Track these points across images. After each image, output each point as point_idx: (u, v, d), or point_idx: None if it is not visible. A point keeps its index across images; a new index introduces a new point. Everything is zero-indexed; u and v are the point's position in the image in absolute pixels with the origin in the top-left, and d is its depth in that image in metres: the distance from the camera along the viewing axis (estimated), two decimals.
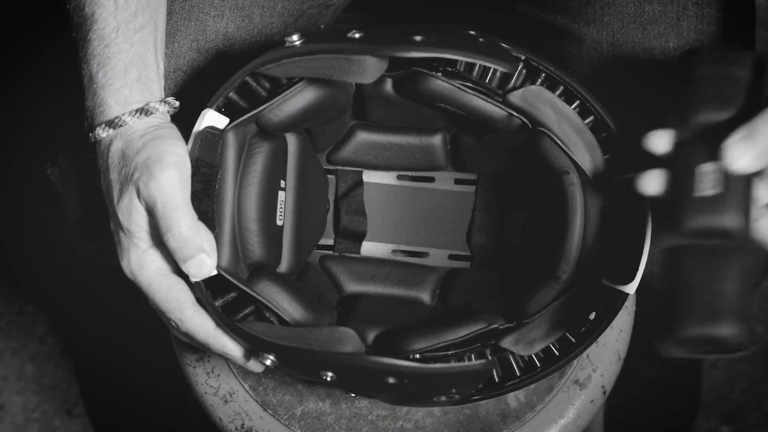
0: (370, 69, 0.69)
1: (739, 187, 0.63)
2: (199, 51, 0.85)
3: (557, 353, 0.76)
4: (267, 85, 0.74)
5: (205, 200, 0.72)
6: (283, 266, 0.81)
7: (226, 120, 0.73)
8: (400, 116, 0.81)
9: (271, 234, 0.77)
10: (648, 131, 0.68)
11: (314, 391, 0.87)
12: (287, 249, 0.81)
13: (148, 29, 0.76)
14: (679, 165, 0.65)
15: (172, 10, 0.85)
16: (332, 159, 0.86)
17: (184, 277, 0.73)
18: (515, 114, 0.75)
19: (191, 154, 0.72)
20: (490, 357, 0.76)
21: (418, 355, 0.75)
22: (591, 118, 0.76)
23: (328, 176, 0.88)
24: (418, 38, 0.66)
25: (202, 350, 0.84)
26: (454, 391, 0.73)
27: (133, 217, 0.72)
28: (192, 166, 0.72)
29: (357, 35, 0.69)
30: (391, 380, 0.69)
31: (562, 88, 0.76)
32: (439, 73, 0.73)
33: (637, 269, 0.73)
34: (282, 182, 0.80)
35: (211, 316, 0.73)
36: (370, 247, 0.88)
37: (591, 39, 0.88)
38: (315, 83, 0.73)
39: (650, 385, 1.39)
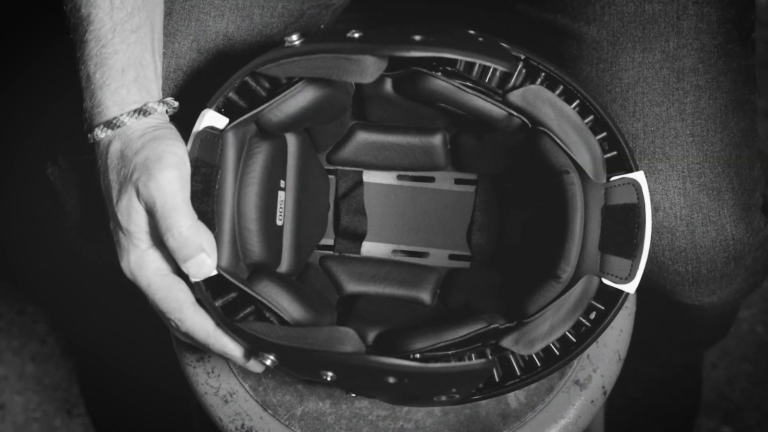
0: (369, 69, 0.69)
1: None
2: (200, 51, 0.85)
3: (558, 353, 0.76)
4: (267, 85, 0.74)
5: (204, 200, 0.72)
6: (283, 266, 0.81)
7: (226, 120, 0.73)
8: (400, 116, 0.81)
9: (271, 234, 0.77)
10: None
11: (314, 391, 0.87)
12: (287, 249, 0.81)
13: (144, 29, 0.76)
14: None
15: (172, 10, 0.85)
16: (332, 159, 0.86)
17: (184, 277, 0.73)
18: (515, 113, 0.75)
19: (191, 154, 0.72)
20: (490, 357, 0.76)
21: (418, 355, 0.74)
22: (591, 117, 0.76)
23: (328, 176, 0.88)
24: (417, 38, 0.66)
25: (202, 350, 0.84)
26: (454, 390, 0.73)
27: (132, 217, 0.72)
28: (191, 166, 0.72)
29: (357, 35, 0.69)
30: (392, 380, 0.69)
31: (561, 87, 0.76)
32: (439, 73, 0.73)
33: (637, 269, 0.73)
34: (282, 182, 0.80)
35: (211, 316, 0.73)
36: (370, 247, 0.88)
37: (591, 38, 0.88)
38: (314, 83, 0.73)
39: (651, 385, 1.39)
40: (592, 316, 0.76)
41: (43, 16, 1.68)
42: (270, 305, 0.73)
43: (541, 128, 0.75)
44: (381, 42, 0.67)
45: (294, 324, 0.73)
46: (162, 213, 0.70)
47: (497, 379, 0.77)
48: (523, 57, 0.74)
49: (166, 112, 0.76)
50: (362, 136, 0.84)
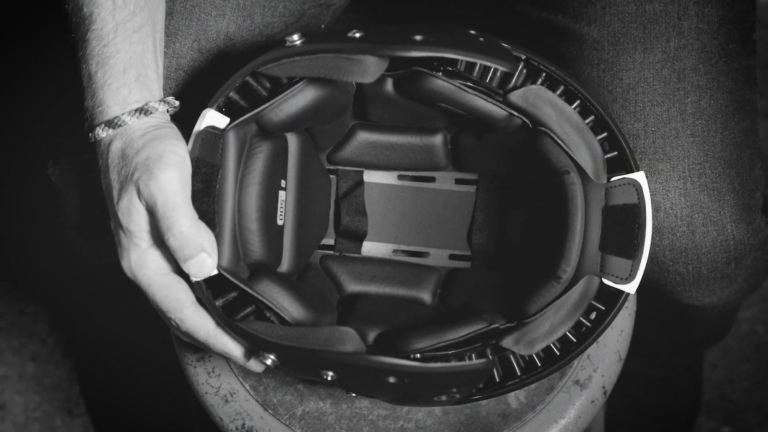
0: (370, 68, 0.69)
1: None
2: (201, 51, 0.85)
3: (558, 353, 0.76)
4: (267, 84, 0.74)
5: (205, 200, 0.72)
6: (284, 266, 0.81)
7: (227, 120, 0.73)
8: (400, 116, 0.81)
9: (272, 234, 0.77)
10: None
11: (315, 390, 0.87)
12: (288, 249, 0.81)
13: (146, 29, 0.76)
14: None
15: (173, 9, 0.85)
16: (333, 159, 0.86)
17: (184, 276, 0.73)
18: (516, 114, 0.75)
19: (192, 153, 0.72)
20: (490, 357, 0.76)
21: (418, 355, 0.75)
22: (591, 117, 0.76)
23: (329, 176, 0.88)
24: (418, 38, 0.66)
25: (202, 350, 0.84)
26: (454, 390, 0.73)
27: (133, 216, 0.72)
28: (192, 166, 0.72)
29: (357, 35, 0.69)
30: (392, 380, 0.69)
31: (562, 87, 0.76)
32: (440, 73, 0.73)
33: (637, 269, 0.73)
34: (283, 182, 0.80)
35: (212, 315, 0.73)
36: (370, 247, 0.88)
37: (592, 39, 0.88)
38: (315, 83, 0.73)
39: (651, 385, 1.39)
40: (593, 316, 0.76)
41: (43, 16, 1.68)
42: (270, 305, 0.73)
43: (542, 128, 0.75)
44: (382, 42, 0.67)
45: (294, 323, 0.73)
46: (163, 212, 0.70)
47: (497, 379, 0.77)
48: (524, 57, 0.74)
49: (167, 111, 0.76)
50: (363, 136, 0.84)
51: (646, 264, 0.74)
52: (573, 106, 0.75)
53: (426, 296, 0.85)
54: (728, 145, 0.86)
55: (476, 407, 0.86)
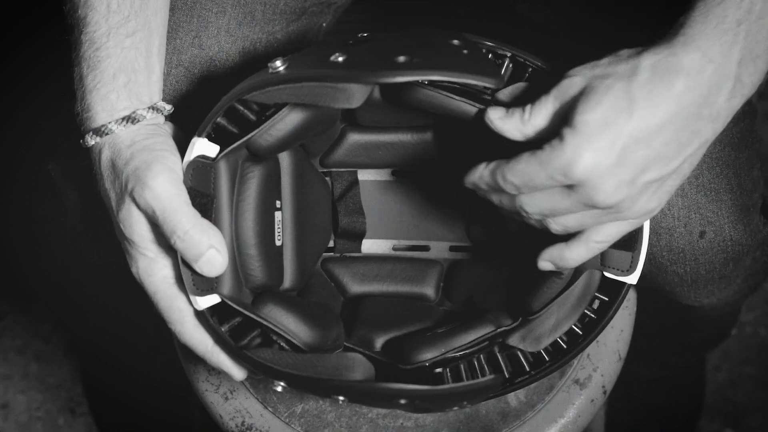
0: (355, 95, 0.69)
1: None
2: (201, 47, 0.85)
3: (565, 346, 0.76)
4: (255, 107, 0.73)
5: None
6: (287, 283, 0.81)
7: (216, 147, 0.72)
8: (390, 117, 0.81)
9: (271, 256, 0.77)
10: None
11: None
12: (289, 266, 0.81)
13: (140, 34, 0.76)
14: None
15: (174, 6, 0.85)
16: (325, 162, 0.86)
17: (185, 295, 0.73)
18: None
19: (185, 183, 0.72)
20: (499, 356, 0.76)
21: (427, 363, 0.75)
22: None
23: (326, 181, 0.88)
24: (401, 59, 0.66)
25: None
26: (465, 403, 0.74)
27: (134, 227, 0.72)
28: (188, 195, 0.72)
29: (340, 58, 0.68)
30: (403, 401, 0.70)
31: None
32: (426, 82, 0.73)
33: (638, 261, 0.74)
34: (278, 202, 0.80)
35: (223, 349, 0.73)
36: (370, 245, 0.88)
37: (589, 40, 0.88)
38: (302, 105, 0.73)
39: (652, 386, 1.39)
40: (596, 305, 0.76)
41: (43, 16, 1.69)
42: (276, 329, 0.73)
43: None
44: (366, 68, 0.67)
45: (302, 344, 0.73)
46: (163, 218, 0.69)
47: (507, 376, 0.77)
48: (509, 54, 0.74)
49: (162, 113, 0.76)
50: (354, 138, 0.84)
51: (645, 264, 0.74)
52: None
53: (429, 291, 0.86)
54: (726, 146, 0.85)
55: (476, 406, 0.86)
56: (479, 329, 0.76)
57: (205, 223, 0.71)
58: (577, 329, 0.76)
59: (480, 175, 0.70)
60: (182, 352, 0.91)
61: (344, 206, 0.87)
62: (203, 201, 0.72)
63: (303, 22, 0.91)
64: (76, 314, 1.55)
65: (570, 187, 0.65)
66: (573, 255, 0.70)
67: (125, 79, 0.74)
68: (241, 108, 0.73)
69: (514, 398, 0.86)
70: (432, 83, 0.73)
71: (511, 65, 0.75)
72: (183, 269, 0.71)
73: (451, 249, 0.88)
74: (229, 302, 0.71)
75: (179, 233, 0.69)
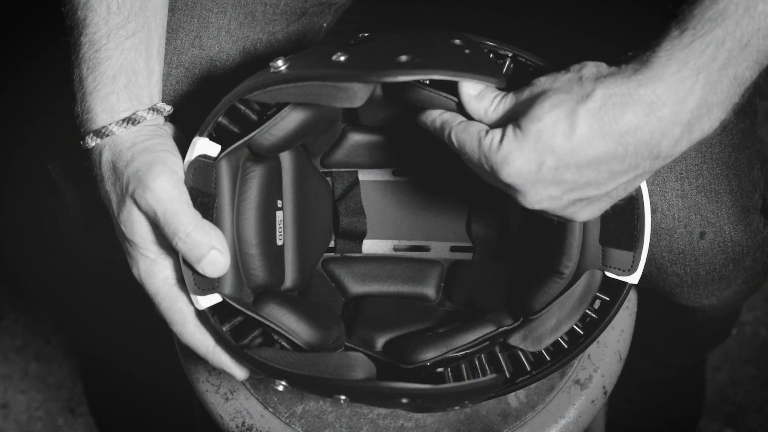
0: (357, 94, 0.69)
1: None
2: (202, 47, 0.85)
3: (566, 346, 0.76)
4: (257, 107, 0.73)
5: None
6: (288, 282, 0.81)
7: (217, 147, 0.73)
8: (392, 116, 0.81)
9: (272, 255, 0.77)
10: None
11: None
12: (290, 266, 0.81)
13: (140, 35, 0.76)
14: None
15: (175, 6, 0.85)
16: (326, 162, 0.86)
17: (186, 295, 0.73)
18: None
19: (186, 183, 0.72)
20: (500, 355, 0.76)
21: (428, 363, 0.75)
22: None
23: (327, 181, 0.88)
24: (403, 58, 0.66)
25: None
26: (467, 402, 0.74)
27: (135, 229, 0.72)
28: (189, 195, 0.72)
29: (342, 58, 0.68)
30: (405, 400, 0.70)
31: None
32: (427, 82, 0.73)
33: (639, 260, 0.74)
34: (279, 202, 0.80)
35: (226, 350, 0.73)
36: (371, 245, 0.88)
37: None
38: (304, 104, 0.73)
39: (652, 387, 1.39)
40: (597, 304, 0.76)
41: (42, 16, 1.69)
42: (277, 329, 0.73)
43: None
44: (367, 67, 0.67)
45: (303, 344, 0.73)
46: (165, 220, 0.69)
47: (508, 376, 0.77)
48: (510, 54, 0.74)
49: (162, 114, 0.76)
50: (355, 138, 0.84)
51: (645, 265, 0.74)
52: None
53: (430, 292, 0.86)
54: (726, 147, 0.85)
55: (476, 406, 0.86)
56: (480, 329, 0.76)
57: (207, 224, 0.71)
58: (578, 329, 0.76)
59: (432, 119, 0.72)
60: (182, 352, 0.91)
61: (345, 206, 0.87)
62: (205, 200, 0.72)
63: (303, 22, 0.91)
64: (78, 314, 1.55)
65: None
66: None
67: (125, 81, 0.74)
68: (243, 108, 0.73)
69: (514, 399, 0.86)
70: (433, 84, 0.73)
71: (512, 65, 0.75)
72: (184, 268, 0.71)
73: (452, 249, 0.88)
74: (231, 302, 0.71)
75: (181, 235, 0.69)
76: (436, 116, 0.71)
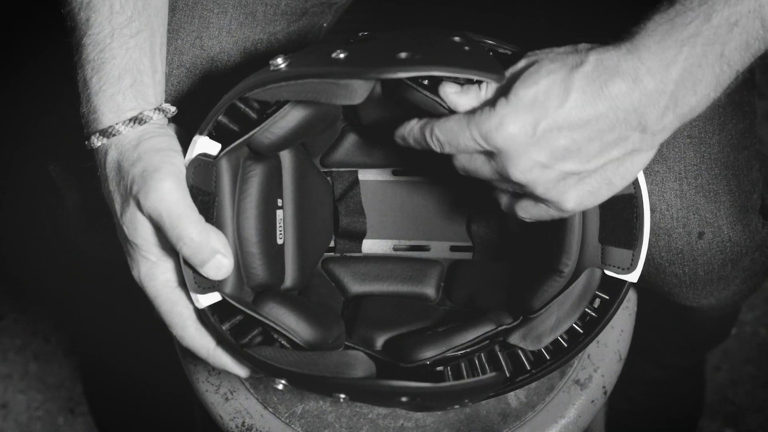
0: (357, 91, 0.69)
1: None
2: (203, 47, 0.85)
3: (566, 345, 0.76)
4: (256, 106, 0.73)
5: None
6: (288, 282, 0.81)
7: (218, 145, 0.72)
8: (392, 114, 0.81)
9: (273, 254, 0.77)
10: None
11: None
12: (290, 265, 0.81)
13: (144, 34, 0.75)
14: None
15: (175, 6, 0.85)
16: (326, 162, 0.86)
17: (187, 296, 0.73)
18: None
19: (186, 181, 0.72)
20: (500, 354, 0.76)
21: (428, 362, 0.75)
22: None
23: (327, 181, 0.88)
24: (403, 55, 0.66)
25: None
26: (467, 401, 0.74)
27: (138, 230, 0.72)
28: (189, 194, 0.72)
29: (342, 55, 0.68)
30: (404, 399, 0.70)
31: None
32: (426, 81, 0.73)
33: (638, 259, 0.74)
34: (279, 201, 0.80)
35: (226, 349, 0.73)
36: (371, 245, 0.88)
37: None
38: (304, 102, 0.73)
39: (652, 387, 1.39)
40: (596, 303, 0.76)
41: (43, 16, 1.69)
42: (277, 327, 0.73)
43: None
44: (367, 64, 0.67)
45: (303, 343, 0.73)
46: (169, 223, 0.69)
47: (508, 374, 0.77)
48: (510, 52, 0.74)
49: (166, 115, 0.76)
50: (354, 138, 0.84)
51: (643, 265, 0.74)
52: None
53: (430, 291, 0.86)
54: (725, 147, 0.85)
55: (476, 406, 0.86)
56: (480, 328, 0.76)
57: (210, 228, 0.70)
58: (577, 328, 0.76)
59: (410, 128, 0.72)
60: (182, 352, 0.91)
61: (345, 206, 0.87)
62: (205, 199, 0.72)
63: (304, 22, 0.91)
64: (78, 313, 1.55)
65: (490, 154, 0.68)
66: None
67: (131, 80, 0.74)
68: (243, 106, 0.73)
69: (514, 398, 0.86)
70: (433, 81, 0.73)
71: None
72: (184, 267, 0.71)
73: (452, 249, 0.88)
74: (231, 300, 0.71)
75: (185, 239, 0.69)
76: (413, 124, 0.72)
